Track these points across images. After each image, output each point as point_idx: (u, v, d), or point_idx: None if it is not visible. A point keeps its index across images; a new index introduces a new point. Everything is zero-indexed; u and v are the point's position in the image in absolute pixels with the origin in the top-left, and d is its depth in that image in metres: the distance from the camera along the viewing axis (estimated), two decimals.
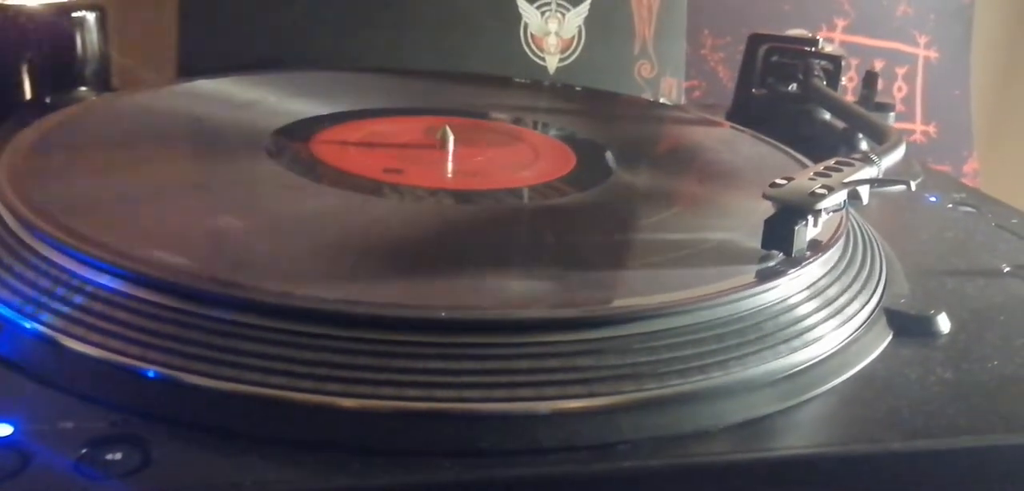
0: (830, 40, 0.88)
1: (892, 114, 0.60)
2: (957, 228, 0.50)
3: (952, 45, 0.90)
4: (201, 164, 0.43)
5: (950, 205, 0.54)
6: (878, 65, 0.89)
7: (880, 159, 0.41)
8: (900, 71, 0.89)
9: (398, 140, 0.48)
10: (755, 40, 0.61)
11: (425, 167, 0.44)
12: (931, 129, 0.90)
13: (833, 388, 0.32)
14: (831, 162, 0.39)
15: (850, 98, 0.87)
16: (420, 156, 0.46)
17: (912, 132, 0.90)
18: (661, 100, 0.72)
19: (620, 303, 0.32)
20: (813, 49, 0.59)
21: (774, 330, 0.32)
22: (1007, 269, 0.44)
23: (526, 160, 0.47)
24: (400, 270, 0.34)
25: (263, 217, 0.38)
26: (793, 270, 0.34)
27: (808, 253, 0.36)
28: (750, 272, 0.34)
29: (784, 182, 0.36)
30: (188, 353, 0.28)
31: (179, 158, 0.44)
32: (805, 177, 0.37)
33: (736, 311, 0.32)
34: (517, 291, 0.33)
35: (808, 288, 0.35)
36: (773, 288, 0.33)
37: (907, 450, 0.30)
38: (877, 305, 0.38)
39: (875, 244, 0.42)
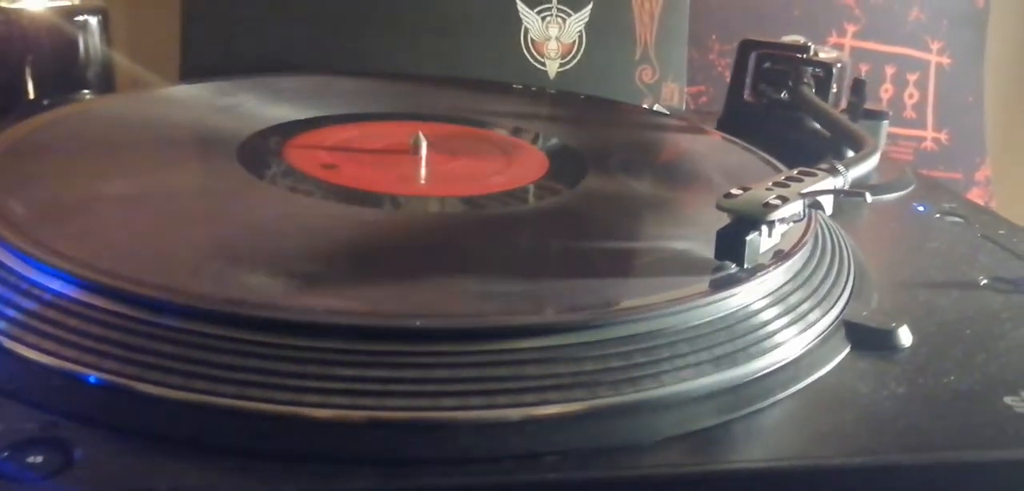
0: (840, 46, 0.87)
1: (885, 122, 0.59)
2: (941, 238, 0.50)
3: (965, 51, 0.89)
4: (165, 171, 0.43)
5: (938, 215, 0.53)
6: (889, 71, 0.88)
7: (847, 169, 0.40)
8: (911, 77, 0.88)
9: (373, 145, 0.48)
10: (747, 46, 0.60)
11: (395, 173, 0.45)
12: (943, 136, 0.89)
13: (778, 402, 0.32)
14: (794, 172, 0.39)
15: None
16: (392, 162, 0.46)
17: (923, 139, 0.89)
18: (656, 107, 0.71)
19: (542, 314, 0.32)
20: (805, 56, 0.58)
21: (718, 342, 0.32)
22: (984, 281, 0.44)
23: (499, 166, 0.47)
24: (342, 277, 0.34)
25: (216, 223, 0.38)
26: (741, 283, 0.34)
27: (769, 262, 0.36)
28: (697, 282, 0.34)
29: (739, 192, 0.36)
30: (122, 358, 0.29)
31: (144, 165, 0.44)
32: (762, 187, 0.36)
33: (675, 323, 0.32)
34: (451, 299, 0.33)
35: (763, 298, 0.35)
36: (716, 300, 0.33)
37: (844, 466, 0.29)
38: (837, 317, 0.37)
39: (845, 254, 0.42)
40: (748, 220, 0.35)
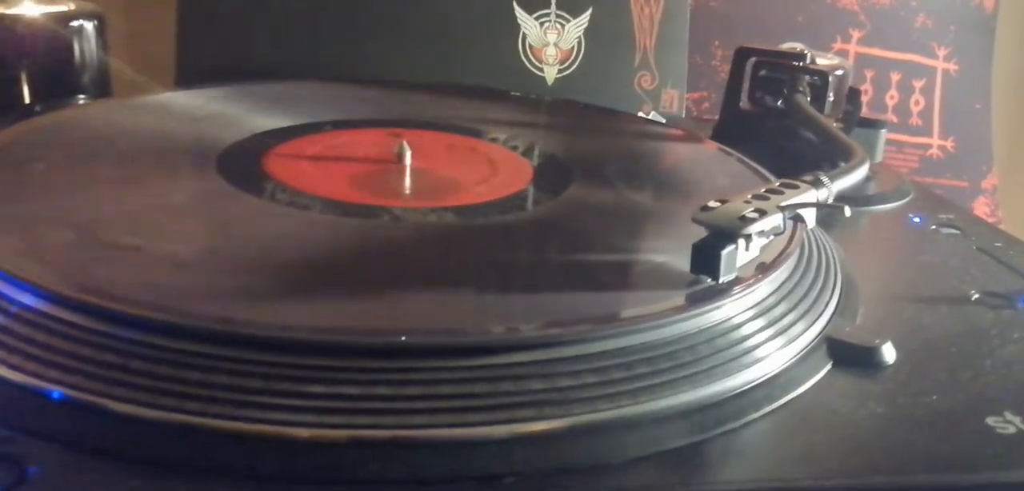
0: (845, 52, 0.86)
1: (883, 132, 0.58)
2: (935, 251, 0.49)
3: (973, 57, 0.88)
4: (140, 181, 0.43)
5: (934, 226, 0.52)
6: (895, 78, 0.87)
7: (832, 181, 0.39)
8: (917, 84, 0.87)
9: (357, 154, 0.47)
10: (742, 53, 0.60)
11: (377, 182, 0.44)
12: (949, 144, 0.88)
13: (751, 422, 0.31)
14: (776, 184, 0.38)
15: (865, 113, 0.86)
16: (376, 171, 0.46)
17: (929, 147, 0.88)
18: (653, 115, 0.71)
19: (497, 330, 0.31)
20: (801, 63, 0.57)
21: (690, 360, 0.32)
22: (976, 296, 0.43)
23: (483, 175, 0.47)
24: (305, 289, 0.33)
25: (188, 235, 0.38)
26: (713, 299, 0.33)
27: (747, 276, 0.35)
28: (669, 297, 0.34)
29: (716, 204, 0.35)
30: (87, 373, 0.29)
31: (119, 175, 0.44)
32: (740, 200, 0.36)
33: (644, 340, 0.31)
34: (418, 314, 0.32)
35: (740, 314, 0.34)
36: (682, 318, 0.32)
37: (813, 489, 0.29)
38: (818, 334, 0.36)
39: (831, 268, 0.41)
40: (724, 234, 0.34)
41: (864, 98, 0.86)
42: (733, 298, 0.34)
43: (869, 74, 0.86)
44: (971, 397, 0.34)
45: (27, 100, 0.61)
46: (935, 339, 0.39)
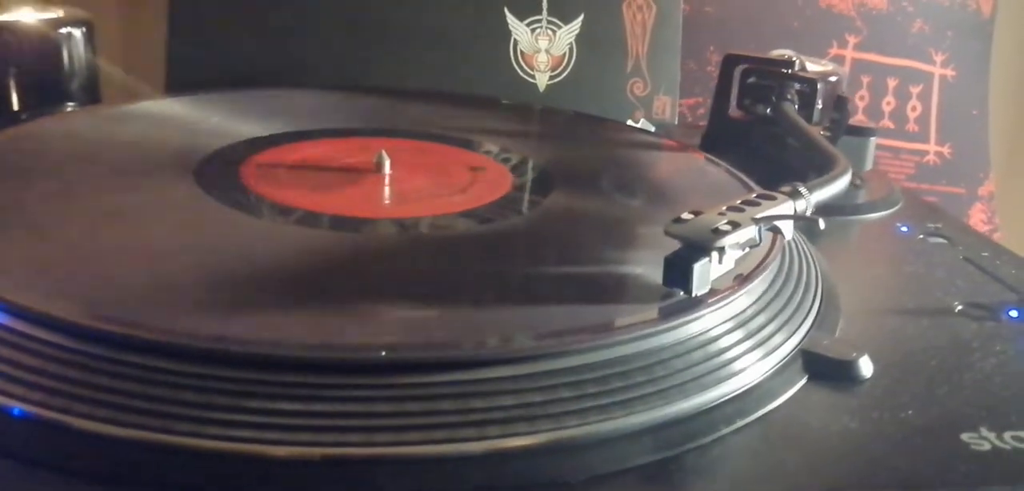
0: (841, 58, 0.86)
1: (873, 140, 0.58)
2: (920, 261, 0.48)
3: (970, 63, 0.87)
4: (114, 192, 0.43)
5: (921, 236, 0.52)
6: (891, 84, 0.86)
7: (811, 192, 0.39)
8: (914, 90, 0.86)
9: (336, 163, 0.47)
10: (730, 60, 0.59)
11: (354, 193, 0.44)
12: (945, 150, 0.87)
13: (721, 437, 0.31)
14: (752, 195, 0.38)
15: (861, 118, 0.85)
16: (354, 181, 0.45)
17: (926, 153, 0.87)
18: (642, 122, 0.70)
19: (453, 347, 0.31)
20: (789, 70, 0.57)
21: (662, 375, 0.31)
22: (959, 307, 0.42)
23: (462, 185, 0.46)
24: (269, 303, 0.33)
25: (160, 247, 0.37)
26: (685, 312, 0.33)
27: (722, 288, 0.35)
28: (641, 311, 0.33)
29: (689, 217, 0.35)
30: (50, 390, 0.28)
31: (93, 186, 0.44)
32: (714, 212, 0.35)
33: (610, 355, 0.31)
34: (380, 328, 0.32)
35: (714, 328, 0.34)
36: (655, 333, 0.32)
37: None
38: (794, 348, 0.36)
39: (812, 279, 0.41)
40: (696, 246, 0.34)
41: (860, 103, 0.86)
42: (704, 312, 0.33)
43: (865, 80, 0.86)
44: (947, 412, 0.34)
45: (15, 107, 0.61)
46: (915, 352, 0.38)
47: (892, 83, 0.86)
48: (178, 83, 0.66)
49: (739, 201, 0.37)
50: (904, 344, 0.39)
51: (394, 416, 0.28)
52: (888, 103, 0.86)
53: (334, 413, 0.27)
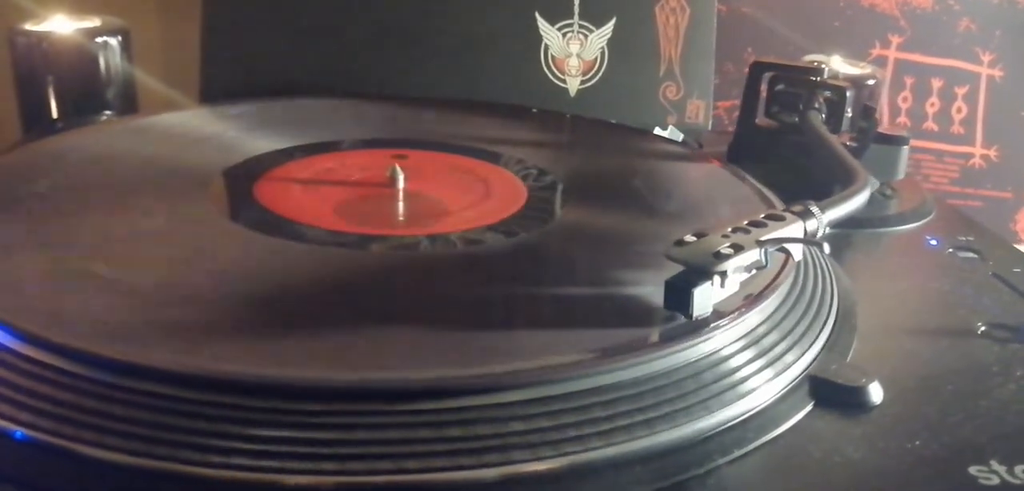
0: (883, 59, 0.84)
1: (905, 149, 0.56)
2: (947, 277, 0.47)
3: (1019, 63, 0.84)
4: (128, 211, 0.43)
5: (951, 250, 0.50)
6: (936, 85, 0.84)
7: (823, 212, 0.38)
8: (960, 91, 0.84)
9: (352, 177, 0.47)
10: (758, 68, 0.58)
11: (364, 208, 0.44)
12: (992, 153, 0.84)
13: (714, 468, 0.30)
14: (760, 216, 0.37)
15: (903, 120, 0.83)
16: (365, 196, 0.45)
17: (971, 156, 0.85)
18: (671, 128, 0.69)
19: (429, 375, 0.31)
20: (818, 78, 0.55)
21: (647, 405, 0.31)
22: (982, 328, 0.41)
23: (474, 199, 0.46)
24: (259, 326, 0.33)
25: (170, 268, 0.38)
26: (684, 338, 0.32)
27: (736, 309, 0.34)
28: (640, 335, 0.33)
29: (692, 239, 0.34)
30: (56, 416, 0.29)
31: (107, 205, 0.44)
32: (717, 234, 0.35)
33: (600, 382, 0.30)
34: (366, 355, 0.32)
35: (713, 354, 0.33)
36: (648, 360, 0.31)
37: None
38: (801, 373, 0.35)
39: (826, 299, 0.40)
40: (697, 270, 0.33)
41: (903, 105, 0.84)
42: (703, 338, 0.33)
43: (908, 81, 0.84)
44: (958, 442, 0.33)
45: (54, 115, 0.62)
46: (930, 376, 0.37)
47: (937, 84, 0.84)
48: (212, 91, 0.67)
49: (745, 222, 0.36)
50: (920, 368, 0.38)
51: (403, 444, 0.28)
52: (932, 105, 0.84)
53: (344, 441, 0.28)
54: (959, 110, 0.84)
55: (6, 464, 0.28)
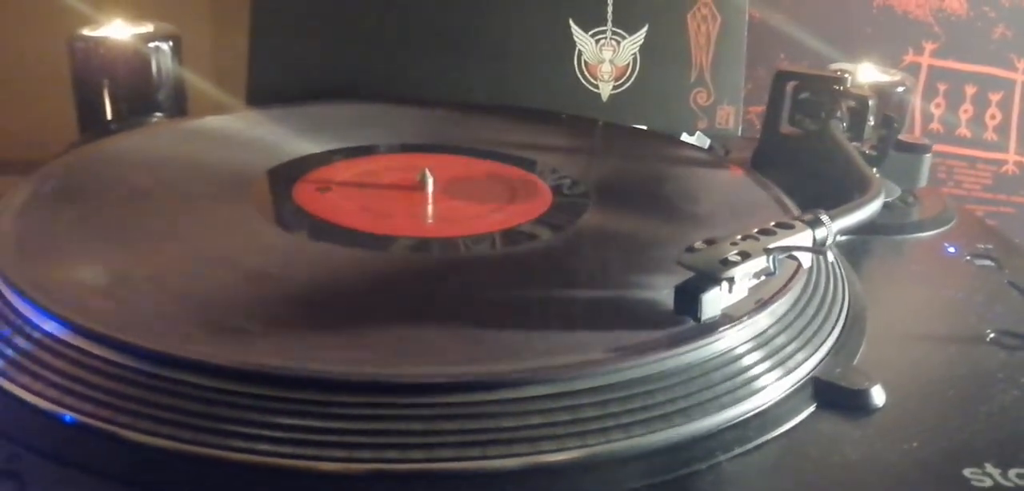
0: (916, 65, 0.84)
1: (927, 157, 0.57)
2: (961, 284, 0.48)
3: None
4: (171, 212, 0.45)
5: (968, 257, 0.51)
6: (969, 91, 0.84)
7: (833, 221, 0.39)
8: (994, 97, 0.84)
9: (383, 180, 0.50)
10: (781, 76, 0.59)
11: (395, 211, 0.46)
12: None
13: (715, 464, 0.32)
14: (771, 224, 0.38)
15: (935, 126, 0.84)
16: (396, 199, 0.48)
17: (1004, 163, 0.85)
18: (698, 133, 0.71)
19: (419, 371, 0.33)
20: (841, 87, 0.57)
21: (655, 402, 0.32)
22: (991, 335, 0.42)
23: (501, 204, 0.48)
24: (298, 323, 0.35)
25: (212, 267, 0.40)
26: (691, 340, 0.34)
27: (744, 313, 0.36)
28: (647, 336, 0.34)
29: (702, 246, 0.36)
30: (102, 402, 0.31)
31: (152, 205, 0.46)
32: (727, 242, 0.36)
33: (606, 381, 0.32)
34: (386, 349, 0.34)
35: (719, 355, 0.35)
36: (649, 362, 0.33)
37: None
38: (805, 375, 0.37)
39: (836, 304, 0.41)
40: (705, 276, 0.35)
41: (936, 111, 0.84)
42: (709, 340, 0.34)
43: (942, 88, 0.84)
44: (954, 446, 0.34)
45: (108, 116, 0.65)
46: (934, 381, 0.38)
47: (970, 90, 0.84)
48: (259, 95, 0.70)
49: (756, 230, 0.38)
50: (924, 373, 0.39)
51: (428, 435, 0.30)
52: (966, 111, 0.84)
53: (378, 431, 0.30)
54: (993, 117, 0.84)
55: (57, 444, 0.31)
